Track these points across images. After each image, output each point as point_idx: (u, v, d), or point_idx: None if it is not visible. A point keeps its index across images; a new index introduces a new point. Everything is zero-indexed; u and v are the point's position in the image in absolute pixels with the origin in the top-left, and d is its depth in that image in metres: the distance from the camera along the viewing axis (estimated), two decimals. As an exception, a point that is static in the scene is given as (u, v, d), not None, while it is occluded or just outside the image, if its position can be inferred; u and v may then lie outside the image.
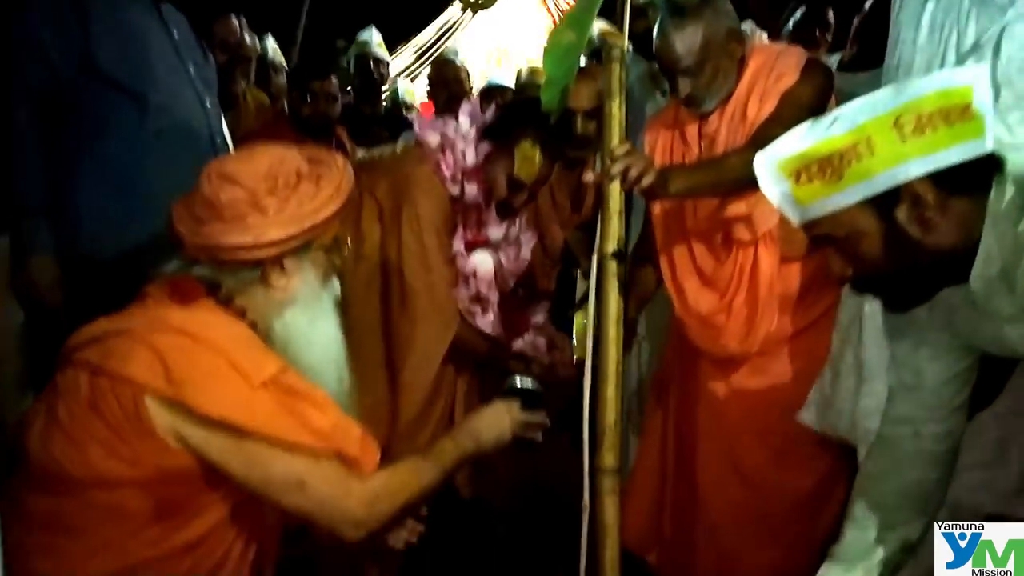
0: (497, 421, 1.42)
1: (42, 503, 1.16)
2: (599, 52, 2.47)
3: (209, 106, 2.15)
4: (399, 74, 6.10)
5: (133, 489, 1.14)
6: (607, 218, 1.56)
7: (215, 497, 1.20)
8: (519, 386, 1.51)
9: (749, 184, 1.85)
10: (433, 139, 2.09)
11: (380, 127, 3.67)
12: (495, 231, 2.15)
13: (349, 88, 3.79)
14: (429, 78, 4.32)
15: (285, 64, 4.04)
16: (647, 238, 2.16)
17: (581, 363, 2.39)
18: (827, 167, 1.04)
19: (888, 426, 1.31)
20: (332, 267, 1.33)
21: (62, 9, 1.95)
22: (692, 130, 2.03)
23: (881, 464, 1.30)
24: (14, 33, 1.95)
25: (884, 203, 1.04)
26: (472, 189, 2.08)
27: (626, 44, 1.92)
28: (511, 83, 3.79)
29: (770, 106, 1.88)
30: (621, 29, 1.95)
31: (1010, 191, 1.01)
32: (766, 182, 1.10)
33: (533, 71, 3.67)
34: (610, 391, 1.50)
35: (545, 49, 1.99)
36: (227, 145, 2.23)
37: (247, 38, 3.63)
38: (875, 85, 1.21)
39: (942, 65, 1.58)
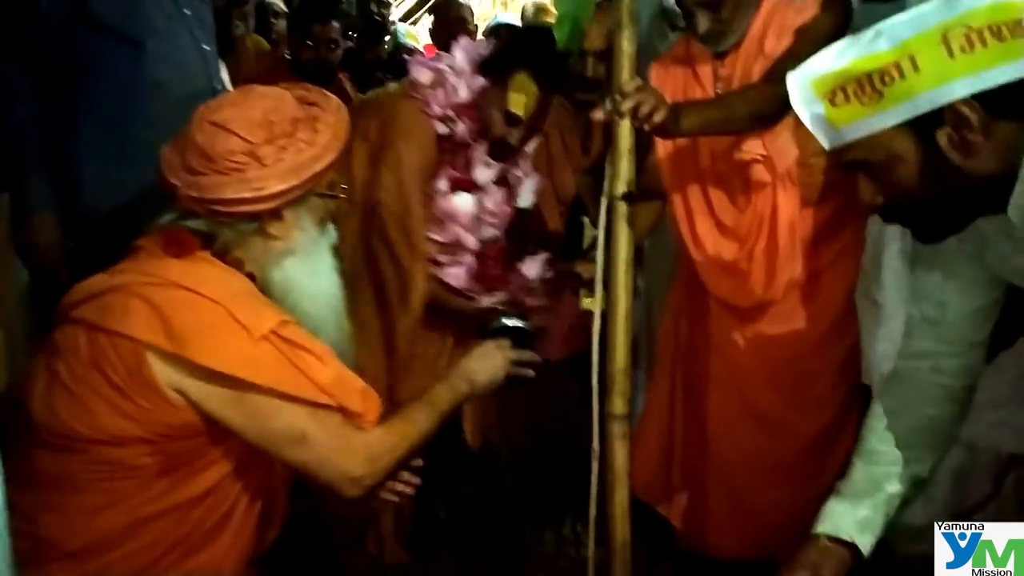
0: (490, 361, 1.43)
1: (47, 461, 1.16)
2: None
3: (207, 51, 2.10)
4: (400, 19, 5.99)
5: (140, 445, 1.14)
6: (617, 158, 1.51)
7: (221, 451, 1.20)
8: (507, 324, 1.52)
9: (765, 120, 1.82)
10: (425, 76, 2.03)
11: (382, 72, 3.60)
12: (483, 172, 2.07)
13: (351, 33, 3.71)
14: (432, 20, 4.22)
15: (285, 8, 3.96)
16: (647, 174, 2.10)
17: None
18: (866, 86, 0.98)
19: (906, 361, 1.28)
20: (327, 212, 1.30)
21: (50, -45, 1.90)
22: (706, 70, 1.96)
23: (897, 399, 1.27)
24: None
25: (924, 125, 0.98)
26: (461, 127, 2.01)
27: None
28: (518, 23, 3.69)
29: (788, 41, 1.81)
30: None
31: None
32: (798, 103, 1.05)
33: (539, 9, 3.57)
34: (620, 336, 1.48)
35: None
36: (226, 91, 2.18)
37: (244, -20, 3.55)
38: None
39: None
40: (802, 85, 1.04)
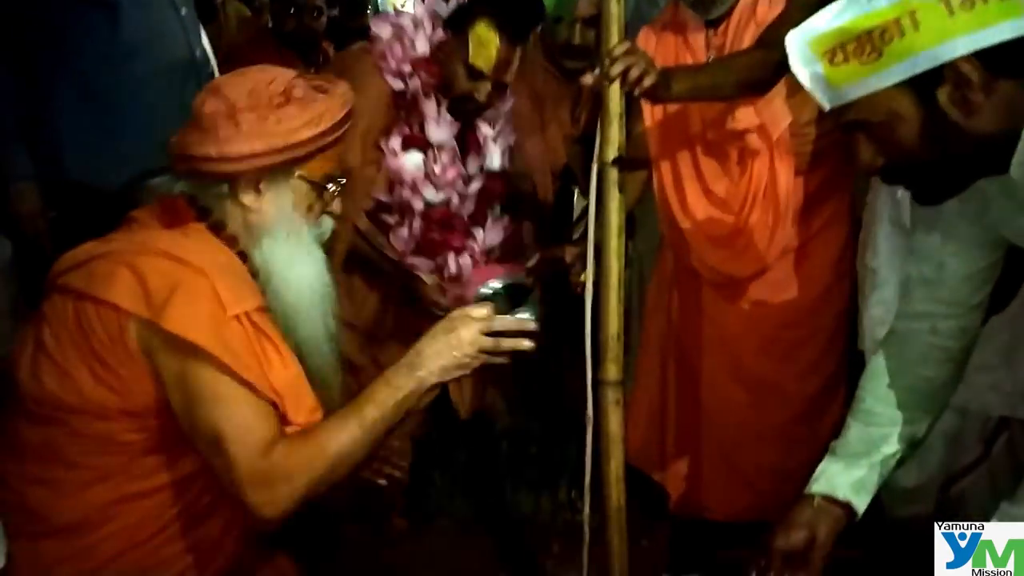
0: (447, 341, 1.16)
1: (34, 433, 1.14)
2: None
3: (185, 16, 2.06)
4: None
5: (124, 419, 1.12)
6: (607, 123, 1.49)
7: None
8: (491, 289, 1.26)
9: (756, 87, 1.81)
10: (384, 31, 1.97)
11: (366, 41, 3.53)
12: (438, 131, 1.98)
13: (334, 1, 3.64)
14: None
15: (267, -24, 3.88)
16: (633, 143, 2.08)
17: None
18: (865, 45, 0.97)
19: (903, 322, 1.28)
20: (318, 204, 1.26)
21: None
22: (698, 38, 1.93)
23: (894, 360, 1.27)
24: None
25: (925, 84, 0.97)
26: (416, 82, 1.94)
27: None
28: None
29: (780, 7, 1.79)
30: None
31: None
32: (796, 63, 1.03)
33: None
34: (612, 302, 1.47)
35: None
36: (207, 58, 2.15)
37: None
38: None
39: None
40: (801, 44, 1.03)
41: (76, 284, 1.13)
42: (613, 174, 1.47)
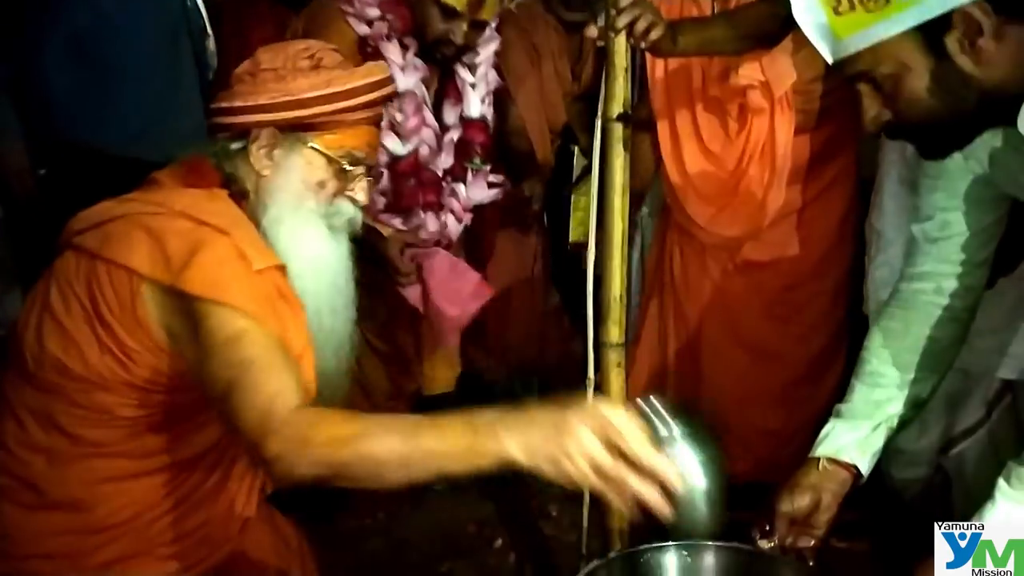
0: (552, 422, 0.85)
1: (35, 399, 1.11)
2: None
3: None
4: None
5: (126, 391, 1.08)
6: (612, 77, 1.44)
7: (214, 414, 1.13)
8: (653, 409, 0.92)
9: (763, 40, 1.76)
10: None
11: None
12: (404, 78, 1.88)
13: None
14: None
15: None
16: (646, 106, 2.05)
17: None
18: None
19: (909, 282, 1.26)
20: (335, 184, 1.20)
21: None
22: None
23: (899, 321, 1.26)
24: None
25: (933, 31, 0.94)
26: (380, 26, 1.86)
27: None
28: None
29: None
30: None
31: None
32: (800, 12, 1.00)
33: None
34: (615, 263, 1.44)
35: None
36: (199, 10, 2.09)
37: None
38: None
39: None
40: None
41: (90, 245, 1.09)
42: (617, 131, 1.44)
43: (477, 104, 2.00)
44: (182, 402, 1.11)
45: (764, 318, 2.05)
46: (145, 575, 1.12)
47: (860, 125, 1.91)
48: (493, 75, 2.06)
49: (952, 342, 1.25)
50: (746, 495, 1.67)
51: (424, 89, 1.95)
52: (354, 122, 1.19)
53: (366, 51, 1.86)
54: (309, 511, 1.48)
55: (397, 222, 1.95)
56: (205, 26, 2.18)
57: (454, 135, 1.99)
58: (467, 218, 2.04)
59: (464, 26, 1.88)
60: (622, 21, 1.46)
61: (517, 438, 0.85)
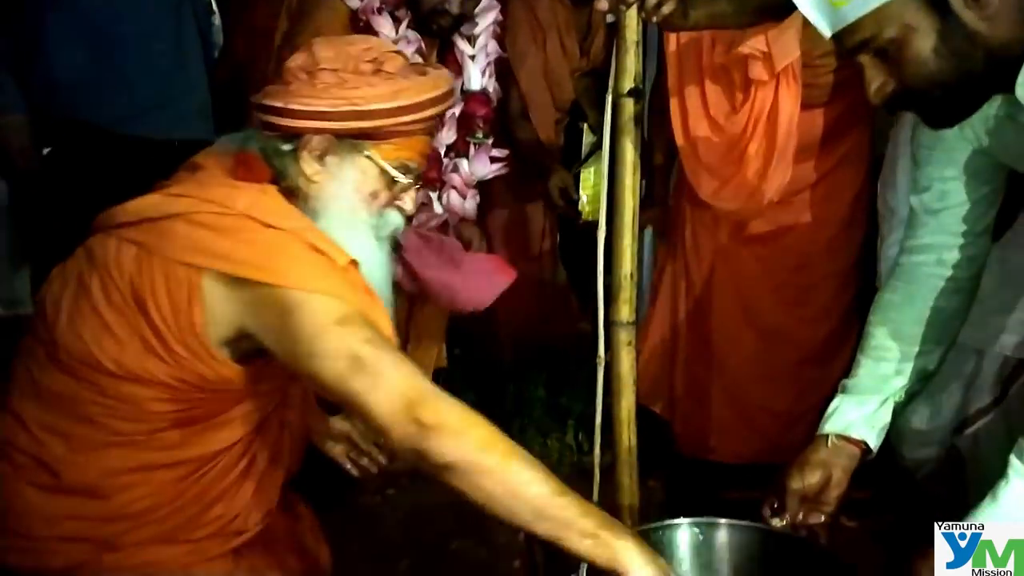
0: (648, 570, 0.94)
1: (59, 383, 1.09)
2: None
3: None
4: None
5: (161, 388, 1.07)
6: (623, 51, 1.42)
7: (242, 412, 1.14)
8: None
9: (774, 13, 1.74)
10: None
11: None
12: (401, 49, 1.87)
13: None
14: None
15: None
16: (662, 86, 2.03)
17: None
18: None
19: (911, 255, 1.26)
20: (387, 195, 1.16)
21: None
22: None
23: (901, 293, 1.26)
24: None
25: None
26: None
27: None
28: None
29: None
30: None
31: None
32: None
33: None
34: (626, 241, 1.43)
35: None
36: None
37: None
38: None
39: None
40: None
41: (142, 240, 1.06)
42: (629, 106, 1.41)
43: (477, 76, 1.97)
44: (214, 400, 1.10)
45: (775, 299, 2.04)
46: (161, 561, 1.11)
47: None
48: (493, 45, 2.02)
49: (956, 312, 1.26)
50: (755, 476, 1.67)
51: (419, 60, 1.93)
52: (412, 132, 1.14)
53: (358, 25, 1.83)
54: (319, 489, 1.48)
55: None
56: (210, 2, 2.16)
57: (455, 109, 1.96)
58: (471, 194, 2.02)
59: None
60: (634, -6, 1.43)
61: (639, 561, 0.94)
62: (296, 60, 1.12)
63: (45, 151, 1.93)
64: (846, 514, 1.28)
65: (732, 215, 1.99)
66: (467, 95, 1.98)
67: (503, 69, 2.13)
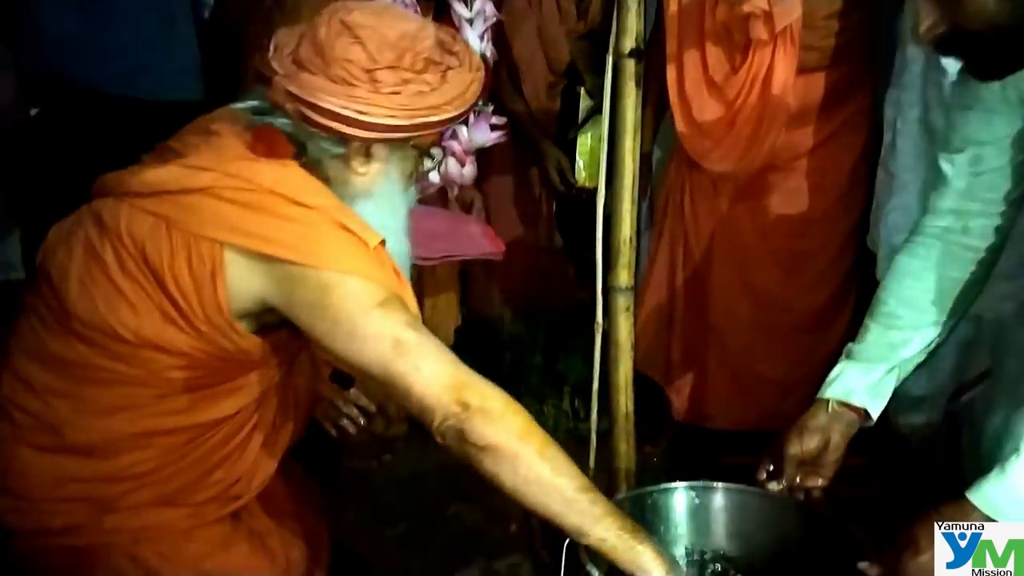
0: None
1: (68, 347, 1.07)
2: None
3: None
4: None
5: (181, 358, 1.06)
6: (624, 10, 1.38)
7: (253, 379, 1.13)
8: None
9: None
10: None
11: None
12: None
13: None
14: None
15: None
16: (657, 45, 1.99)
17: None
18: None
19: (933, 217, 1.22)
20: (417, 171, 1.17)
21: None
22: None
23: (920, 260, 1.22)
24: None
25: None
26: None
27: None
28: None
29: None
30: None
31: None
32: None
33: None
34: (625, 205, 1.41)
35: None
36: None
37: None
38: None
39: None
40: None
41: (163, 212, 1.04)
42: (630, 67, 1.38)
43: (475, 40, 1.94)
44: (230, 368, 1.10)
45: (772, 265, 2.03)
46: (161, 523, 1.11)
47: (877, 66, 1.87)
48: (491, 8, 1.99)
49: (973, 284, 1.21)
50: (749, 442, 1.68)
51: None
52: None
53: None
54: (316, 453, 1.48)
55: None
56: (202, -42, 2.11)
57: None
58: (470, 160, 2.00)
59: None
60: (636, -49, 1.40)
61: (659, 565, 0.98)
62: (346, 50, 1.04)
63: (33, 112, 1.89)
64: (842, 481, 1.27)
65: (725, 177, 1.97)
66: None
67: (497, 35, 2.09)
